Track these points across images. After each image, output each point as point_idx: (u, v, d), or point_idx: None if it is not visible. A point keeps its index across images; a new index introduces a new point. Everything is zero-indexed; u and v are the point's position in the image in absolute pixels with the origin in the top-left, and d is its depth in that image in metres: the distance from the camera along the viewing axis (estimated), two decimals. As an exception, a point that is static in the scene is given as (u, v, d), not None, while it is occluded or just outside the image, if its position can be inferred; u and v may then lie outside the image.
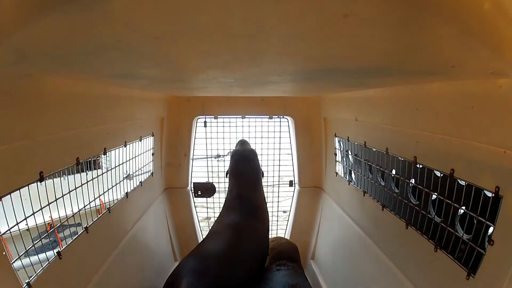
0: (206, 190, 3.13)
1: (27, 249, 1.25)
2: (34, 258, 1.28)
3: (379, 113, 1.91)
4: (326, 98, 2.81)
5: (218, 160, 3.23)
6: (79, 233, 1.56)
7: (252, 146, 3.08)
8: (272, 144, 3.17)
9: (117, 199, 2.03)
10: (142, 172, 2.52)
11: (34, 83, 1.16)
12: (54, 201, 1.39)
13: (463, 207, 1.31)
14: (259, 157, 2.69)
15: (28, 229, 1.28)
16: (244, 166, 2.51)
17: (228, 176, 2.59)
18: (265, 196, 2.61)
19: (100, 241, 1.75)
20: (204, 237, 2.32)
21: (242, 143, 2.78)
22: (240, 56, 0.99)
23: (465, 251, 1.25)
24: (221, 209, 2.50)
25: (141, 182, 2.44)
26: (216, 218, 2.46)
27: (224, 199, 2.56)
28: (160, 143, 2.90)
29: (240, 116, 3.10)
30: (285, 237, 3.30)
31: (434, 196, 1.51)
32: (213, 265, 1.89)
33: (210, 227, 2.40)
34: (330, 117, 2.85)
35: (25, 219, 1.23)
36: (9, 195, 1.07)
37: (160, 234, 2.84)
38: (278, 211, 3.34)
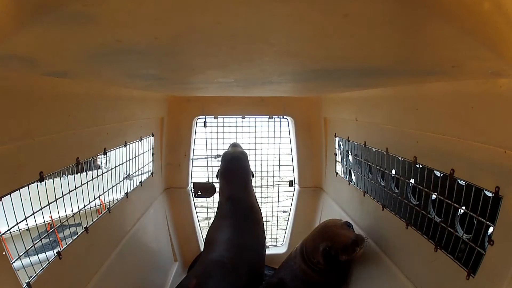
0: (206, 190, 3.13)
1: (27, 249, 1.25)
2: (34, 258, 1.27)
3: (379, 113, 1.91)
4: (326, 98, 2.81)
5: (218, 160, 3.23)
6: (79, 233, 1.56)
7: (252, 147, 3.09)
8: (272, 144, 3.16)
9: (117, 199, 2.02)
10: (142, 172, 2.52)
11: (34, 83, 1.16)
12: (54, 201, 1.39)
13: (463, 207, 1.31)
14: (249, 159, 2.73)
15: (28, 229, 1.28)
16: (234, 167, 2.55)
17: (218, 177, 2.63)
18: (256, 195, 2.68)
19: (100, 241, 1.75)
20: (204, 241, 2.46)
21: (234, 146, 2.80)
22: (240, 56, 0.99)
23: (465, 251, 1.25)
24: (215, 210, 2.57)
25: (141, 182, 2.44)
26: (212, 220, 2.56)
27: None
28: (160, 143, 2.90)
29: (240, 116, 3.09)
30: (285, 237, 3.30)
31: (434, 196, 1.51)
32: (218, 270, 2.05)
33: (207, 232, 2.50)
34: (330, 117, 2.84)
35: (25, 219, 1.22)
36: (9, 195, 1.07)
37: (160, 234, 2.83)
38: (278, 211, 3.34)
